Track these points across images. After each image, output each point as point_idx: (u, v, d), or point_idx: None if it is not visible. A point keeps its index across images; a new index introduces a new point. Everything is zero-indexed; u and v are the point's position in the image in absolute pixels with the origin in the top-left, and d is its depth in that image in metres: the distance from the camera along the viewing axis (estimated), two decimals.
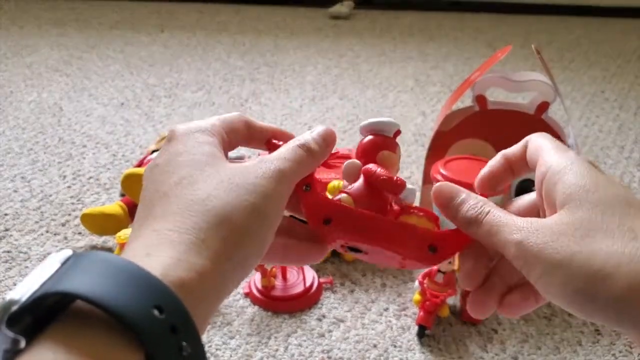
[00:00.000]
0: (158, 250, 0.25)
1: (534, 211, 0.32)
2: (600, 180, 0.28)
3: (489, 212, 0.29)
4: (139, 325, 0.21)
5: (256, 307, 0.65)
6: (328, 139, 0.32)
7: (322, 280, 0.68)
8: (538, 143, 0.32)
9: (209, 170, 0.28)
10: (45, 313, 0.22)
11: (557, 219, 0.27)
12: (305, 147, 0.31)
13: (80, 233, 0.77)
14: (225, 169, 0.29)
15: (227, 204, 0.27)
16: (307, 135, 0.32)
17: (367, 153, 0.33)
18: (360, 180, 0.32)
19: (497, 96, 1.16)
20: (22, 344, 0.21)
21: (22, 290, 0.22)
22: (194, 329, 0.23)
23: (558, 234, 0.26)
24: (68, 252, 0.24)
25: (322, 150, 0.32)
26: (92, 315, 0.22)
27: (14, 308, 0.21)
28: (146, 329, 0.21)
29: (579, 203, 0.27)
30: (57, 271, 0.23)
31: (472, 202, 0.30)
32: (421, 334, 0.61)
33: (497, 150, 0.83)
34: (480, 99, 0.73)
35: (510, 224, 0.28)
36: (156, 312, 0.22)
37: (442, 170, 0.68)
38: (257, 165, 0.29)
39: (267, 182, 0.28)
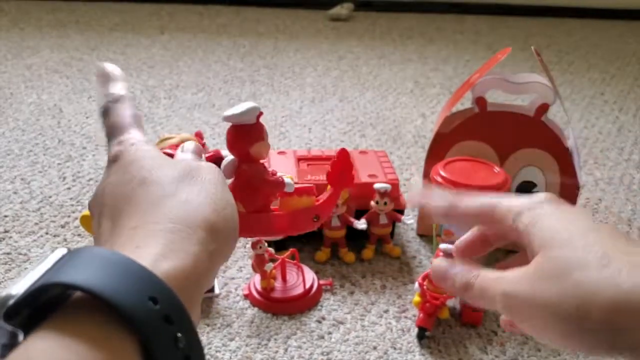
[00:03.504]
0: (145, 243, 0.25)
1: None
2: (566, 216, 0.30)
3: (478, 275, 0.31)
4: (134, 315, 0.21)
5: (256, 309, 0.65)
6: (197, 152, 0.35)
7: (321, 282, 0.68)
8: (480, 202, 0.34)
9: (166, 169, 0.30)
10: (43, 307, 0.22)
11: (534, 264, 0.29)
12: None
13: (79, 235, 0.77)
14: (178, 162, 0.31)
15: (198, 195, 0.28)
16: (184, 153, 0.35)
17: (239, 147, 0.35)
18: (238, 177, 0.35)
19: (496, 98, 1.16)
20: (20, 337, 0.21)
21: (19, 286, 0.22)
22: (188, 320, 0.24)
23: (538, 278, 0.28)
24: (63, 250, 0.24)
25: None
26: (88, 307, 0.22)
27: (11, 302, 0.22)
28: (142, 319, 0.22)
29: (551, 244, 0.28)
30: (53, 266, 0.23)
31: (463, 271, 0.32)
32: (421, 335, 0.61)
33: (497, 152, 0.83)
34: (479, 101, 0.73)
35: (496, 279, 0.30)
36: (151, 304, 0.22)
37: (441, 172, 0.68)
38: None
39: (210, 165, 0.32)
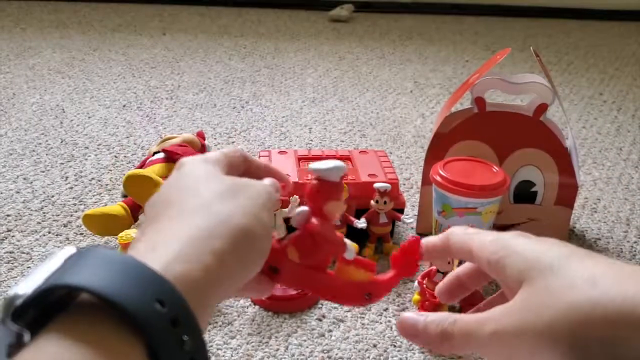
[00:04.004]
0: (163, 246, 0.26)
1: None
2: (539, 247, 0.29)
3: (455, 321, 0.30)
4: (140, 317, 0.22)
5: (257, 307, 0.66)
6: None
7: None
8: (459, 238, 0.34)
9: (212, 184, 0.31)
10: (50, 307, 0.23)
11: (520, 297, 0.28)
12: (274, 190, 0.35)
13: (82, 234, 0.77)
14: (228, 179, 0.31)
15: (230, 209, 0.29)
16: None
17: (315, 200, 0.35)
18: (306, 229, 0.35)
19: (495, 98, 1.17)
20: (27, 337, 0.22)
21: (27, 285, 0.22)
22: (194, 323, 0.24)
23: (526, 309, 0.27)
24: (72, 249, 0.25)
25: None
26: (95, 309, 0.22)
27: (18, 302, 0.22)
28: (148, 321, 0.22)
29: (531, 276, 0.28)
30: (60, 266, 0.24)
31: (436, 320, 0.31)
32: None
33: (496, 151, 0.83)
34: (479, 101, 0.74)
35: (479, 321, 0.29)
36: (158, 306, 0.23)
37: (441, 172, 0.68)
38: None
39: (263, 185, 0.32)
